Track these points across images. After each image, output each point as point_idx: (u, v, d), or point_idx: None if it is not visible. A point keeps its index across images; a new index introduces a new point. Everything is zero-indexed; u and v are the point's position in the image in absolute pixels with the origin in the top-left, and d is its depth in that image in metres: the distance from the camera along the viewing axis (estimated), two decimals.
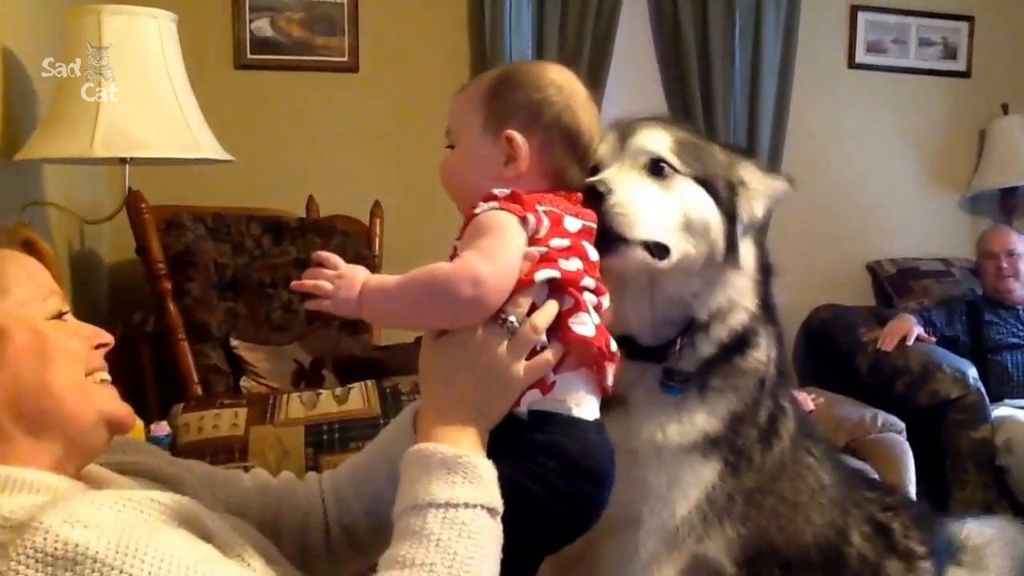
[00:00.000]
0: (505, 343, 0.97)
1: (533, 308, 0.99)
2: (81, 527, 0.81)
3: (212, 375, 2.56)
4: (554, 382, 0.99)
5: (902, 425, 3.15)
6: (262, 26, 3.60)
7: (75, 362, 1.01)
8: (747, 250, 1.28)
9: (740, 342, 1.28)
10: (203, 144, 2.50)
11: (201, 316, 2.67)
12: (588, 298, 1.02)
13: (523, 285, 0.98)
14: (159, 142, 2.43)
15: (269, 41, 3.61)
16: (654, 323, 1.25)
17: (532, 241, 1.00)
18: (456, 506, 0.89)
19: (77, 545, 0.79)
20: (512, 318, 0.97)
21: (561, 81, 1.11)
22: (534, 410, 0.99)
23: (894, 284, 4.27)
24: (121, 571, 0.80)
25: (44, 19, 2.58)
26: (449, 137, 1.14)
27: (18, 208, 2.30)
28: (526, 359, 0.98)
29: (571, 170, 1.11)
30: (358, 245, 3.15)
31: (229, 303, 2.82)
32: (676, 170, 1.21)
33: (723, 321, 1.27)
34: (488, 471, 0.93)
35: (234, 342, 2.67)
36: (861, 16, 4.39)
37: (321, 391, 2.13)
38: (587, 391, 1.02)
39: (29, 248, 1.08)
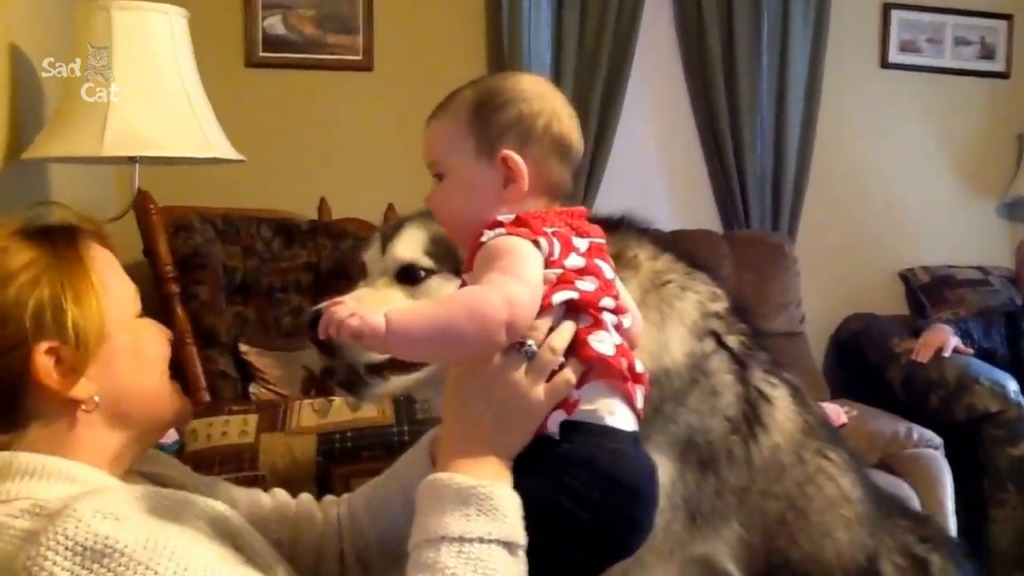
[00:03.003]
0: (523, 368, 0.97)
1: (550, 331, 0.99)
2: (113, 519, 0.84)
3: (220, 381, 2.57)
4: (577, 400, 0.98)
5: (939, 440, 3.13)
6: (274, 23, 3.62)
7: (163, 364, 1.09)
8: None
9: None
10: (214, 143, 2.52)
11: (209, 320, 2.68)
12: (607, 318, 1.01)
13: (541, 309, 0.98)
14: (169, 141, 2.45)
15: (281, 39, 3.64)
16: None
17: (547, 264, 1.00)
18: (470, 540, 0.87)
19: (107, 537, 0.82)
20: (530, 342, 0.97)
21: (541, 90, 1.10)
22: (564, 421, 0.98)
23: (928, 293, 4.25)
24: (148, 568, 0.82)
25: (52, 15, 2.61)
26: (433, 168, 1.11)
27: (24, 208, 2.32)
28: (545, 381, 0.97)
29: (566, 181, 1.10)
30: None
31: (238, 307, 2.83)
32: (429, 271, 1.25)
33: None
34: (508, 503, 0.91)
35: (243, 347, 2.68)
36: (894, 14, 4.38)
37: (333, 398, 2.14)
38: (620, 400, 1.00)
39: (103, 240, 1.12)
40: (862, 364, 3.86)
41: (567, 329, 0.99)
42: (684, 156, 4.14)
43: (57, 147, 2.35)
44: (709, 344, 1.30)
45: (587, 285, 1.00)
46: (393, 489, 1.21)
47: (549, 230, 1.01)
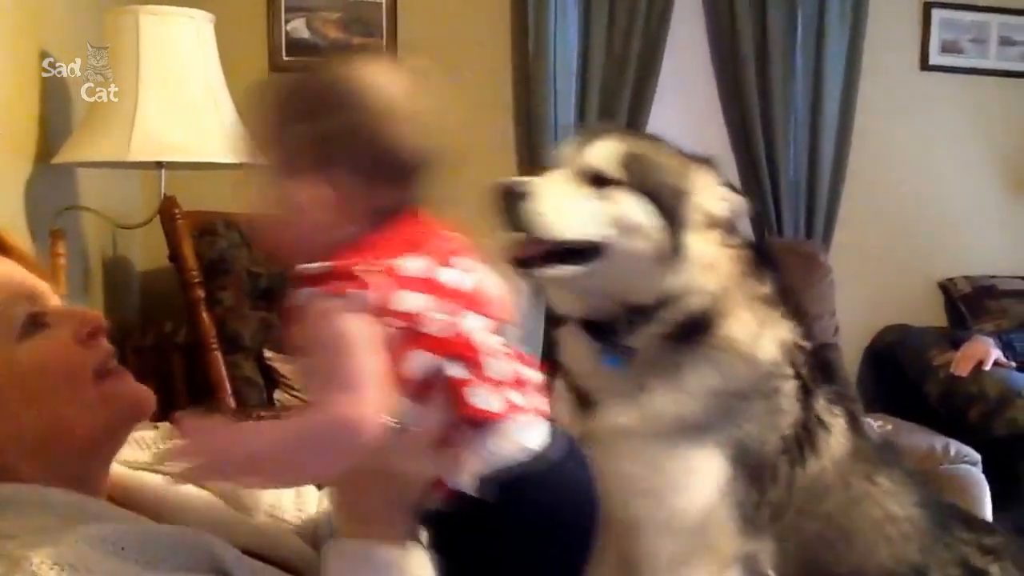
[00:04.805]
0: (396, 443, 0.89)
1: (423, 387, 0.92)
2: (70, 571, 0.81)
3: (245, 387, 2.67)
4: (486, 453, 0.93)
5: (977, 456, 3.11)
6: (298, 27, 3.72)
7: (63, 387, 0.96)
8: (700, 244, 1.35)
9: (703, 322, 1.34)
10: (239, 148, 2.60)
11: (234, 326, 2.79)
12: (483, 342, 0.94)
13: (399, 381, 0.89)
14: (194, 146, 2.55)
15: (305, 42, 3.72)
16: (591, 310, 1.36)
17: (380, 314, 0.89)
18: None
19: None
20: (392, 421, 0.89)
21: (362, 85, 0.94)
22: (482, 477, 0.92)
23: (969, 304, 4.22)
24: None
25: (81, 20, 2.72)
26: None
27: (55, 212, 2.44)
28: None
29: (403, 201, 0.97)
30: None
31: (262, 313, 2.94)
32: (615, 181, 1.32)
33: (674, 304, 1.33)
34: (400, 559, 0.91)
35: (268, 353, 2.78)
36: (935, 13, 4.33)
37: None
38: (525, 418, 0.96)
39: None
40: (898, 377, 3.87)
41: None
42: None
43: (85, 151, 2.47)
44: (788, 369, 1.40)
45: (445, 328, 0.91)
46: (324, 523, 1.20)
47: (374, 269, 0.89)
